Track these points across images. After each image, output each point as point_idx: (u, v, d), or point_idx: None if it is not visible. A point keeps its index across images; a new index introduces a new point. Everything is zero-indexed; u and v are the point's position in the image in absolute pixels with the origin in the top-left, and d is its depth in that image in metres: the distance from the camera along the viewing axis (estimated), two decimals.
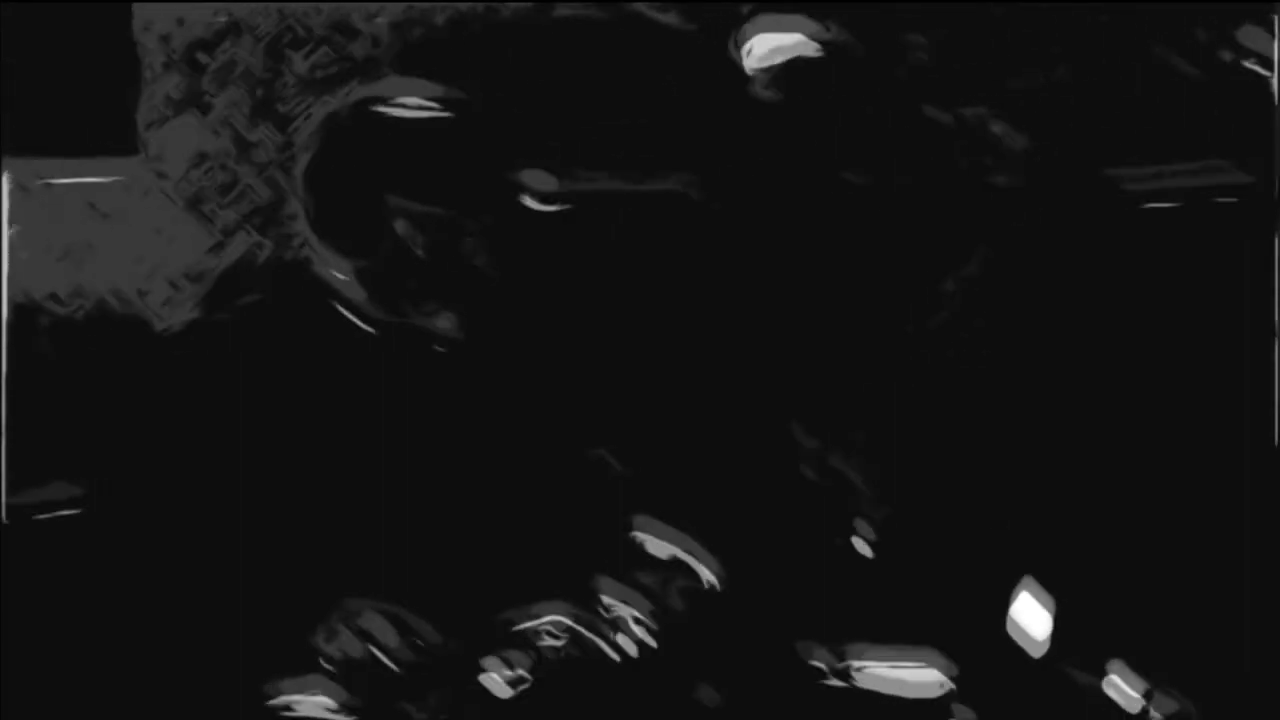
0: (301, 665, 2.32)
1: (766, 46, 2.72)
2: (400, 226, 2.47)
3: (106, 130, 2.84)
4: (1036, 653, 2.40)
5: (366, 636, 2.32)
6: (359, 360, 2.53)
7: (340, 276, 2.51)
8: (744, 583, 2.41)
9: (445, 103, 2.51)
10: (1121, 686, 2.42)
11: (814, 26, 2.69)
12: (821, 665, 2.36)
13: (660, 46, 2.74)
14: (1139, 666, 2.43)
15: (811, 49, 2.69)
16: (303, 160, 2.54)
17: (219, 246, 2.61)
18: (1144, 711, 2.40)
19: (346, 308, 2.52)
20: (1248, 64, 2.64)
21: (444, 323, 2.50)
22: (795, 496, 2.51)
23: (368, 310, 2.52)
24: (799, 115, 2.70)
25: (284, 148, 2.63)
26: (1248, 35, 2.63)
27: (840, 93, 2.68)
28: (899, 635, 2.39)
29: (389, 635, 2.32)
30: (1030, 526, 2.50)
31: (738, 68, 2.69)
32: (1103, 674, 2.42)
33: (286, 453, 2.45)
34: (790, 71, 2.70)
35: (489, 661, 2.28)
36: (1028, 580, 2.41)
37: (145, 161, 2.72)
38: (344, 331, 2.54)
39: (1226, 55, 2.65)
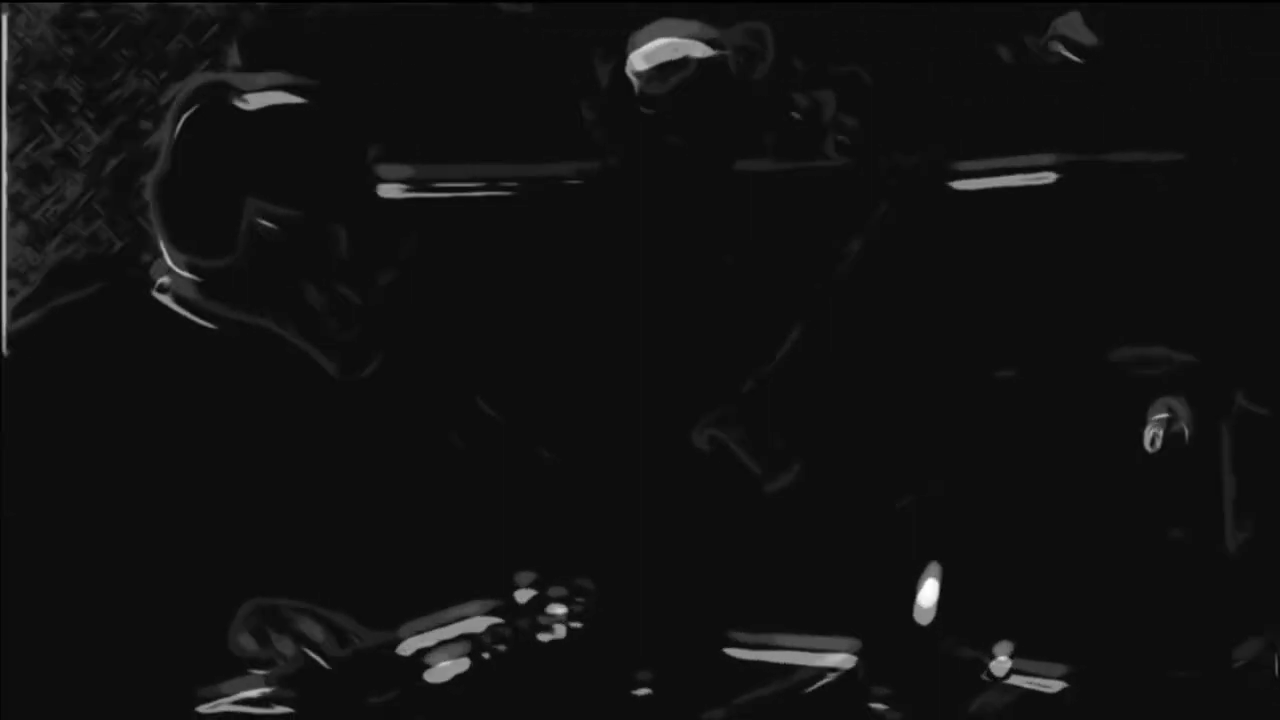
0: (229, 668, 2.18)
1: (655, 48, 2.81)
2: (260, 227, 2.39)
3: None
4: (924, 620, 2.50)
5: (298, 636, 2.20)
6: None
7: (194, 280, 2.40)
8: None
9: (294, 91, 2.47)
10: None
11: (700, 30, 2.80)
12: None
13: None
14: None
15: (696, 50, 2.79)
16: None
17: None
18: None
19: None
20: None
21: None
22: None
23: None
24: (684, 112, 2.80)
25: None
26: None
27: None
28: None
29: (317, 633, 2.20)
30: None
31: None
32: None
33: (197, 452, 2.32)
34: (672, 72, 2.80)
35: (433, 655, 2.21)
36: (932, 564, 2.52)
37: None
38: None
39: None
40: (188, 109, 2.42)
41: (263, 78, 2.46)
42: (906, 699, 2.44)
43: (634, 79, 2.88)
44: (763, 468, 2.67)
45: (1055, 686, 2.61)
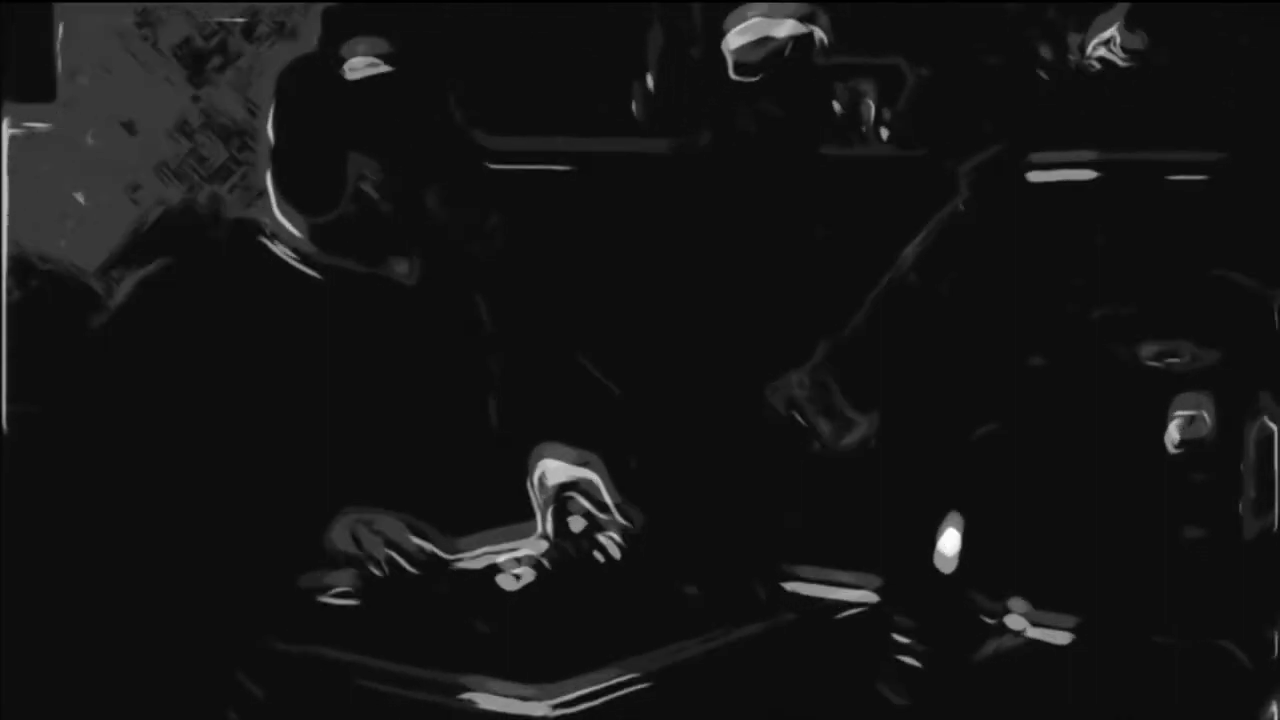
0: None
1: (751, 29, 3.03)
2: (364, 184, 2.62)
3: None
4: (947, 568, 2.71)
5: (385, 538, 2.46)
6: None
7: (297, 233, 2.64)
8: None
9: (388, 59, 2.67)
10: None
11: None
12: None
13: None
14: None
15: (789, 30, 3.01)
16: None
17: None
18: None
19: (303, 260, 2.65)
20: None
21: (401, 268, 2.68)
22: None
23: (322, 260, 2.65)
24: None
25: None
26: None
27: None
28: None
29: (404, 536, 2.46)
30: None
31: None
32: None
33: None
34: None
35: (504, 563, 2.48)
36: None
37: None
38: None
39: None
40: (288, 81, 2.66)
41: (361, 45, 2.69)
42: (928, 636, 2.66)
43: (728, 53, 3.10)
44: (832, 430, 2.86)
45: (1064, 638, 2.80)
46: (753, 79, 3.10)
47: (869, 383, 2.97)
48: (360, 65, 2.63)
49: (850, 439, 2.90)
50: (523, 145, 3.02)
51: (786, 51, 3.09)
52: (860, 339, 2.97)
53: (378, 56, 2.65)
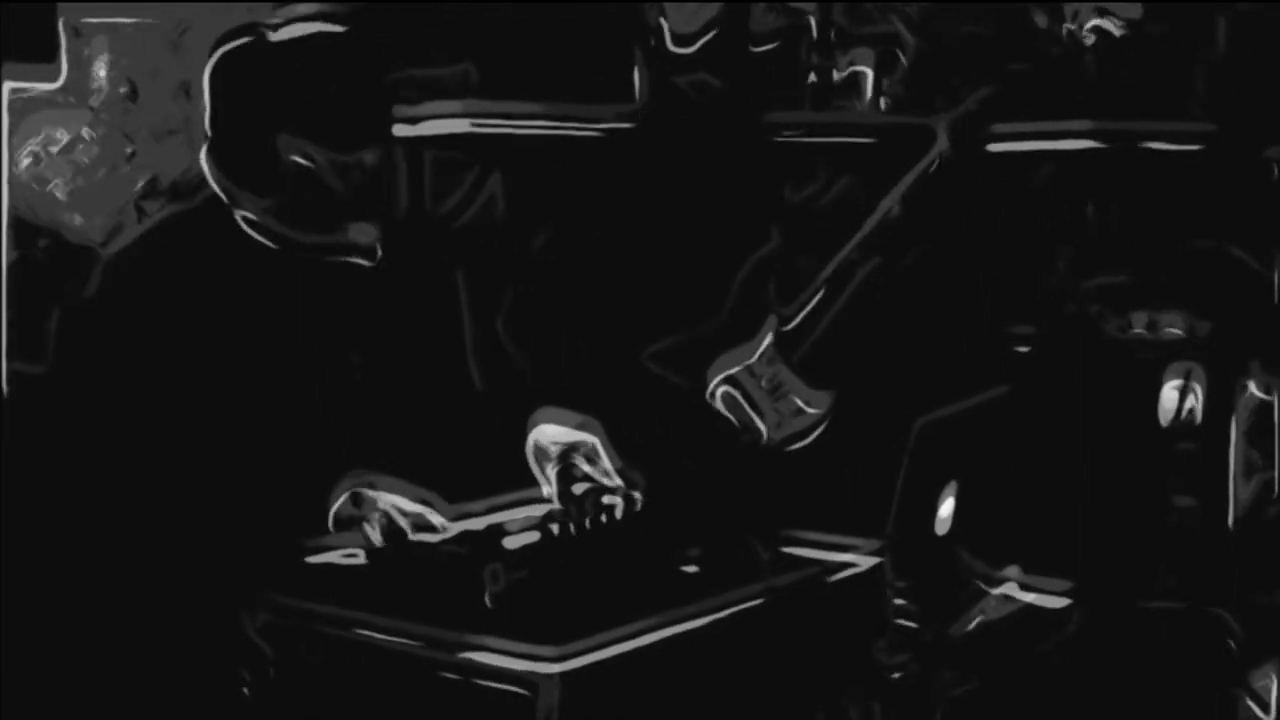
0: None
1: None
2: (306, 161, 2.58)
3: None
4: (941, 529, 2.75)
5: (389, 504, 2.48)
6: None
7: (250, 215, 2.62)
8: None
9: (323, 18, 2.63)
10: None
11: None
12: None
13: None
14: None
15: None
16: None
17: None
18: None
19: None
20: None
21: (362, 236, 2.66)
22: None
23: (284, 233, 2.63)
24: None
25: None
26: None
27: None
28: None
29: (406, 503, 2.48)
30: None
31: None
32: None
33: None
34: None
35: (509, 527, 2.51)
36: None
37: None
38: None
39: None
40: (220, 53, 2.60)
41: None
42: (923, 597, 2.69)
43: (665, 21, 3.08)
44: (773, 422, 2.86)
45: (1058, 602, 2.84)
46: (688, 49, 3.09)
47: (826, 363, 2.98)
48: (288, 27, 2.58)
49: (792, 430, 2.90)
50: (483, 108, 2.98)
51: (719, 19, 3.08)
52: (814, 314, 2.98)
53: (305, 17, 2.60)
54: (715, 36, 3.06)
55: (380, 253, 2.65)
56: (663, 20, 3.07)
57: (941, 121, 3.04)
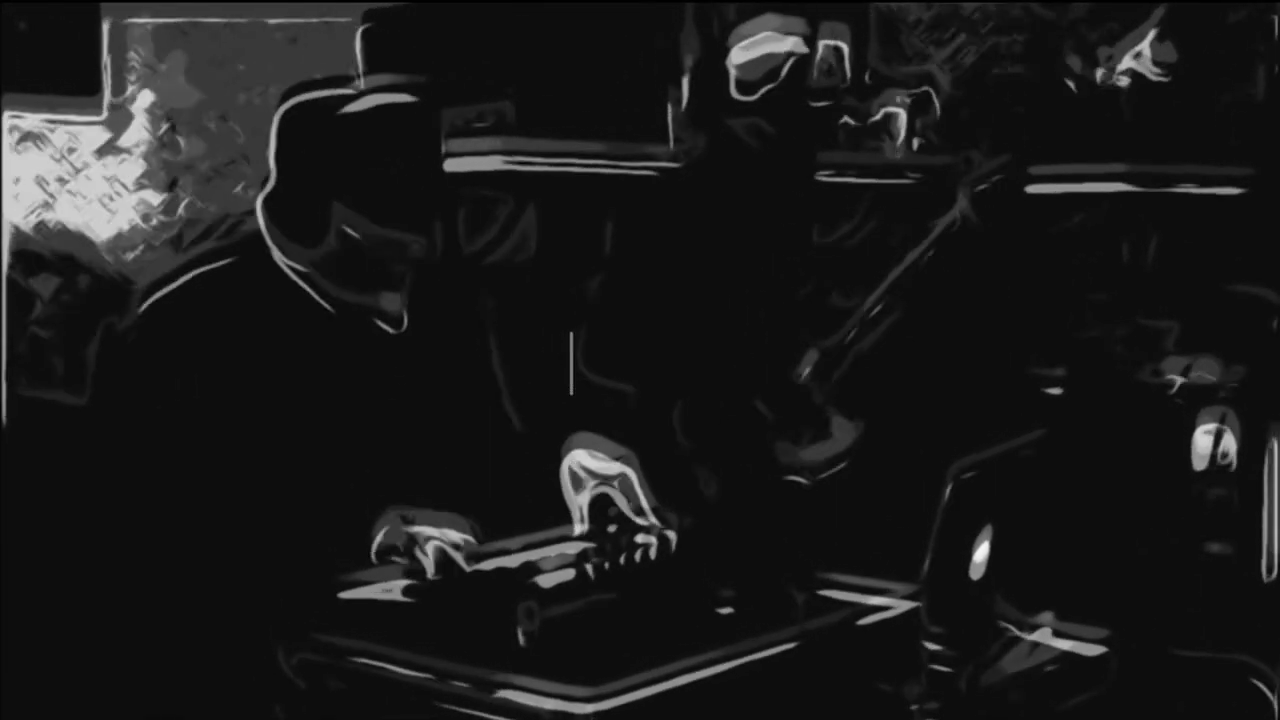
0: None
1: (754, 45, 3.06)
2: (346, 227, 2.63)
3: None
4: (976, 574, 2.74)
5: (426, 534, 2.48)
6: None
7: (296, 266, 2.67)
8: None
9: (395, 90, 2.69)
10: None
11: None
12: None
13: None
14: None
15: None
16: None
17: None
18: None
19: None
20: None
21: (391, 305, 2.71)
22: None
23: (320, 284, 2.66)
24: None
25: None
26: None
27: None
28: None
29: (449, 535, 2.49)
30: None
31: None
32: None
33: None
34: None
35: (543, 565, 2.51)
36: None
37: None
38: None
39: None
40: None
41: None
42: (957, 642, 2.68)
43: (732, 68, 3.12)
44: (809, 444, 2.87)
45: (1094, 650, 2.82)
46: (751, 97, 3.12)
47: (859, 394, 2.99)
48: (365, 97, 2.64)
49: (825, 455, 2.90)
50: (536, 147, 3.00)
51: (784, 70, 3.11)
52: (849, 348, 2.99)
53: (383, 88, 2.64)
54: (778, 86, 3.09)
55: (406, 322, 2.68)
56: (729, 65, 3.09)
57: (963, 188, 3.06)
